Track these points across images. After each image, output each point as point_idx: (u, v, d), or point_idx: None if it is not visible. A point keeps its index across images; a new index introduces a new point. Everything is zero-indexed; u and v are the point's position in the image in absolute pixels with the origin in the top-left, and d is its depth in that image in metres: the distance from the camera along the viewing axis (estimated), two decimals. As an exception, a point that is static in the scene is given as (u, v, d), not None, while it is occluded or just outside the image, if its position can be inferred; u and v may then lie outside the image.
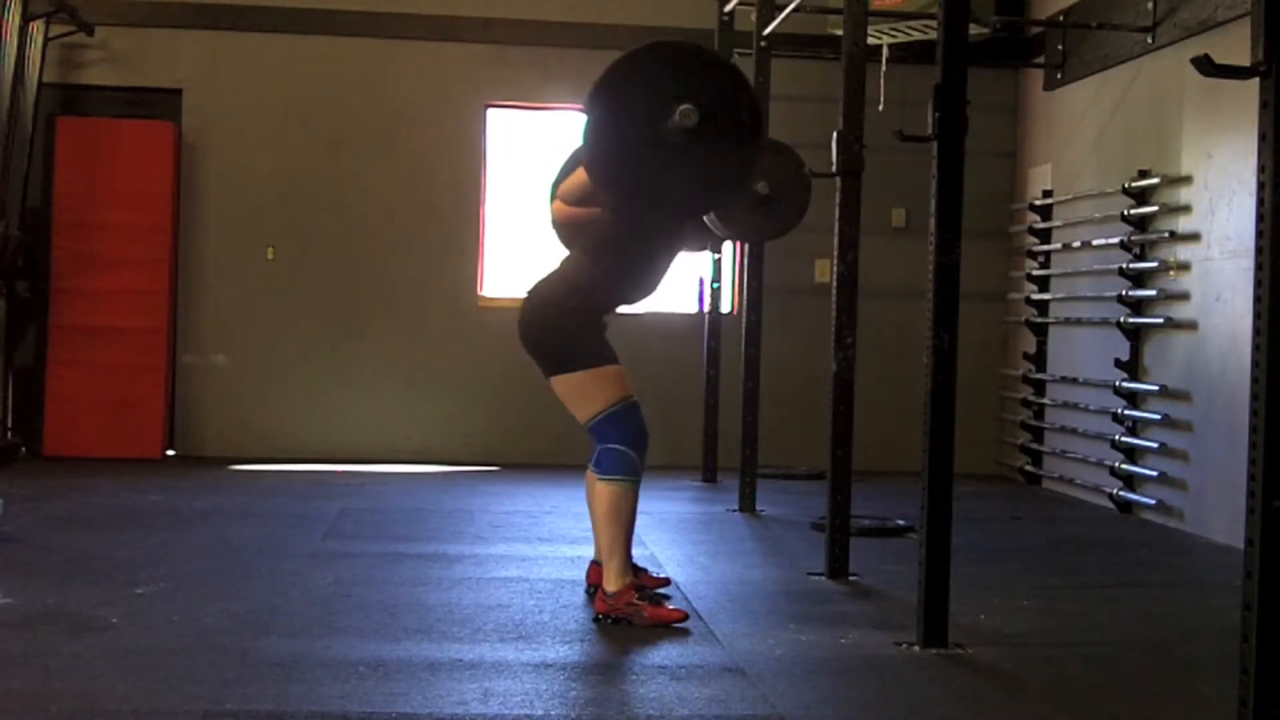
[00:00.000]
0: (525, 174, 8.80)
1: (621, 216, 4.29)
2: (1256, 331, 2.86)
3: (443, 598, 4.52)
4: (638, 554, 4.59)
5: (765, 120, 4.12)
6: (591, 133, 4.03)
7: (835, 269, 5.08)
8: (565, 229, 4.62)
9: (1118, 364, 7.10)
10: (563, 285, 4.35)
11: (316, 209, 8.55)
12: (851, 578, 5.00)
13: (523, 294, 4.44)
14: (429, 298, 8.60)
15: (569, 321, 4.30)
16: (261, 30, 8.50)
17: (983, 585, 4.93)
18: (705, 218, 5.32)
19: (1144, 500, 6.87)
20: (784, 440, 8.23)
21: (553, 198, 4.63)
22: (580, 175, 4.30)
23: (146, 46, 8.45)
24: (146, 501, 6.60)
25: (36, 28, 7.73)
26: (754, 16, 6.77)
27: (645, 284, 4.43)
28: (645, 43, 4.14)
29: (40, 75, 7.89)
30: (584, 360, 4.28)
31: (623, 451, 4.25)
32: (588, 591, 4.58)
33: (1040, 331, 8.28)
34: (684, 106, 3.96)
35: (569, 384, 4.31)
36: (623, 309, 4.47)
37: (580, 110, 4.01)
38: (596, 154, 4.06)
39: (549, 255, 8.89)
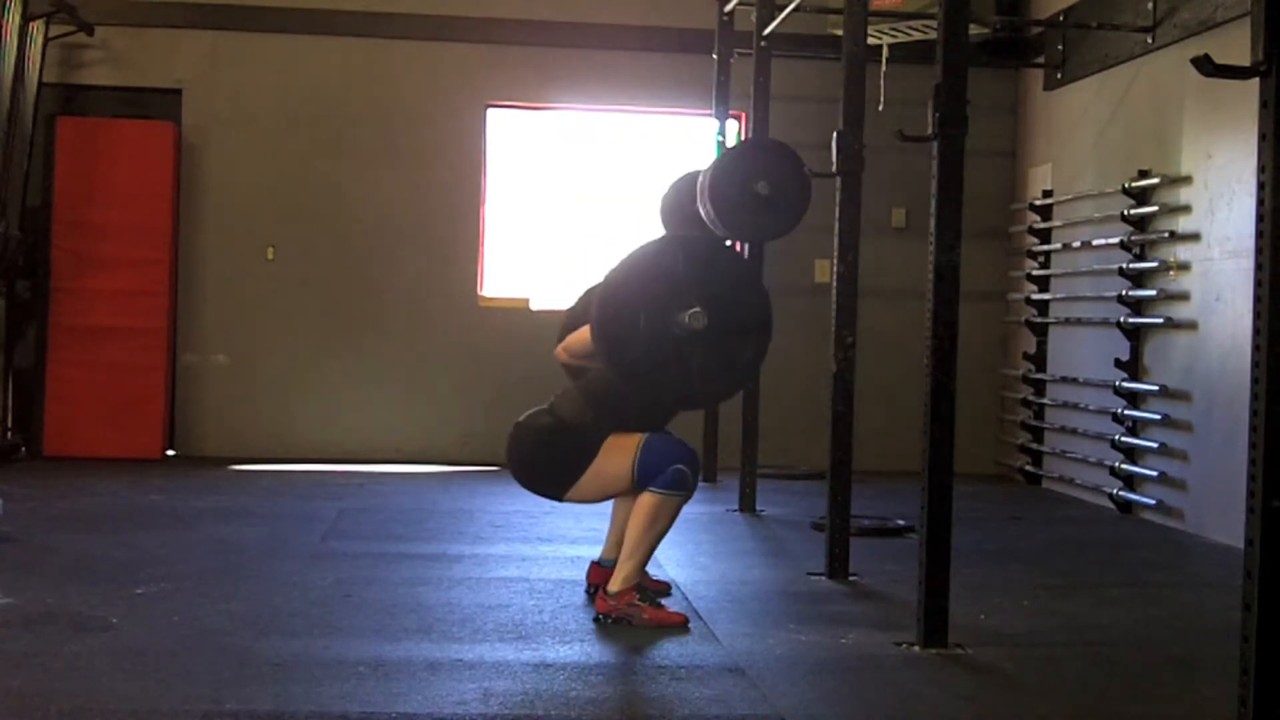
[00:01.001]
0: (525, 174, 8.81)
1: (620, 383, 4.26)
2: (1256, 331, 2.86)
3: (443, 598, 4.52)
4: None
5: (771, 318, 4.20)
6: (601, 322, 4.08)
7: (835, 269, 5.08)
8: (568, 369, 4.61)
9: (1118, 364, 7.10)
10: (548, 416, 4.33)
11: (316, 209, 8.55)
12: (851, 578, 5.00)
13: (511, 432, 4.38)
14: (429, 298, 8.60)
15: (553, 442, 4.28)
16: (261, 30, 8.50)
17: (983, 585, 4.93)
18: (705, 218, 5.32)
19: (1144, 500, 6.87)
20: (784, 440, 8.24)
21: (561, 336, 4.61)
22: (585, 336, 4.26)
23: (146, 46, 8.45)
24: (146, 501, 6.59)
25: (36, 28, 7.72)
26: (754, 16, 6.77)
27: (641, 422, 4.37)
28: (663, 239, 4.29)
29: (40, 75, 7.89)
30: (578, 465, 4.25)
31: (681, 470, 4.20)
32: (588, 591, 4.58)
33: (1040, 331, 8.28)
34: (693, 310, 4.03)
35: (584, 489, 4.29)
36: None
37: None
38: (607, 343, 4.09)
39: (550, 256, 8.89)
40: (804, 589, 4.87)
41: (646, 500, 4.22)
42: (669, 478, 4.20)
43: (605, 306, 4.08)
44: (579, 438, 4.26)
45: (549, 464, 4.30)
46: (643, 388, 4.17)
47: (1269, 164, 2.82)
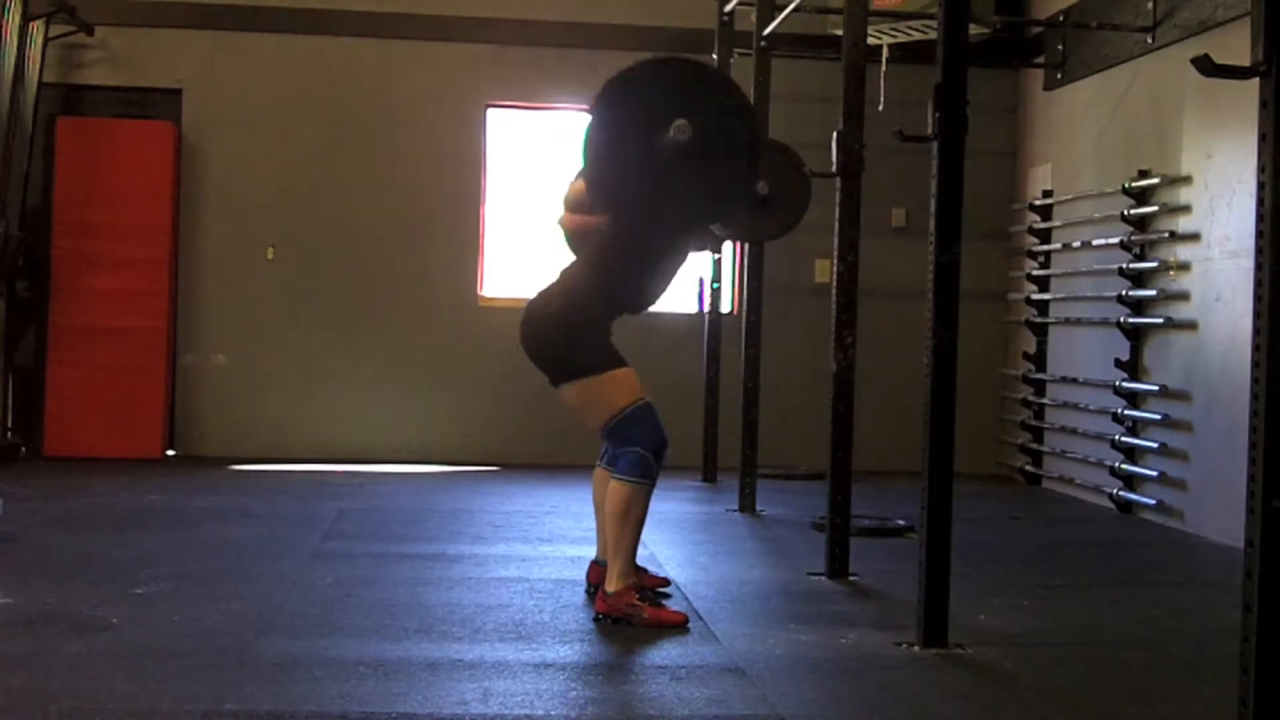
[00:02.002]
0: (525, 174, 8.81)
1: (621, 228, 4.30)
2: (1256, 331, 2.86)
3: (443, 598, 4.52)
4: (638, 554, 4.58)
5: (761, 136, 4.16)
6: (589, 149, 4.06)
7: (835, 269, 5.08)
8: (575, 238, 4.61)
9: (1118, 364, 7.11)
10: (563, 296, 4.35)
11: (316, 209, 8.55)
12: (851, 578, 5.00)
13: (524, 306, 4.43)
14: (429, 298, 8.60)
15: (572, 330, 4.30)
16: (261, 30, 8.50)
17: (983, 585, 4.93)
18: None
19: (1144, 500, 6.87)
20: (784, 440, 8.23)
21: (562, 204, 4.63)
22: (581, 185, 4.31)
23: (146, 46, 8.45)
24: (146, 501, 6.59)
25: (36, 28, 7.73)
26: (754, 16, 6.77)
27: (645, 294, 4.42)
28: (643, 60, 4.17)
29: (40, 75, 7.89)
30: (591, 366, 4.28)
31: (640, 454, 4.24)
32: (588, 591, 4.58)
33: (1040, 331, 8.28)
34: (678, 122, 3.99)
35: (578, 391, 4.31)
36: (623, 317, 4.46)
37: (582, 116, 4.03)
38: (593, 169, 4.09)
39: (550, 256, 8.91)
40: (804, 589, 4.87)
41: (614, 490, 4.26)
42: (630, 461, 4.23)
43: (590, 144, 4.05)
44: (593, 337, 4.28)
45: (557, 349, 4.32)
46: (639, 218, 4.14)
47: (1269, 164, 2.83)
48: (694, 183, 4.07)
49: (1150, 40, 6.92)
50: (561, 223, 4.60)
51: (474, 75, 8.64)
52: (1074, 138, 8.01)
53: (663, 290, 4.48)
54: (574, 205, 4.46)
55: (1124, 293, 7.05)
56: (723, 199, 4.23)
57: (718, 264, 7.67)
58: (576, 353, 4.29)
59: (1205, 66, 2.91)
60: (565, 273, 4.44)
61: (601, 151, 4.07)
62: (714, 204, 4.23)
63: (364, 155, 8.58)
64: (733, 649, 3.93)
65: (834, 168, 5.04)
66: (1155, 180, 6.88)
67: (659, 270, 4.41)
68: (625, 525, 4.25)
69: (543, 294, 4.42)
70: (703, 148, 4.02)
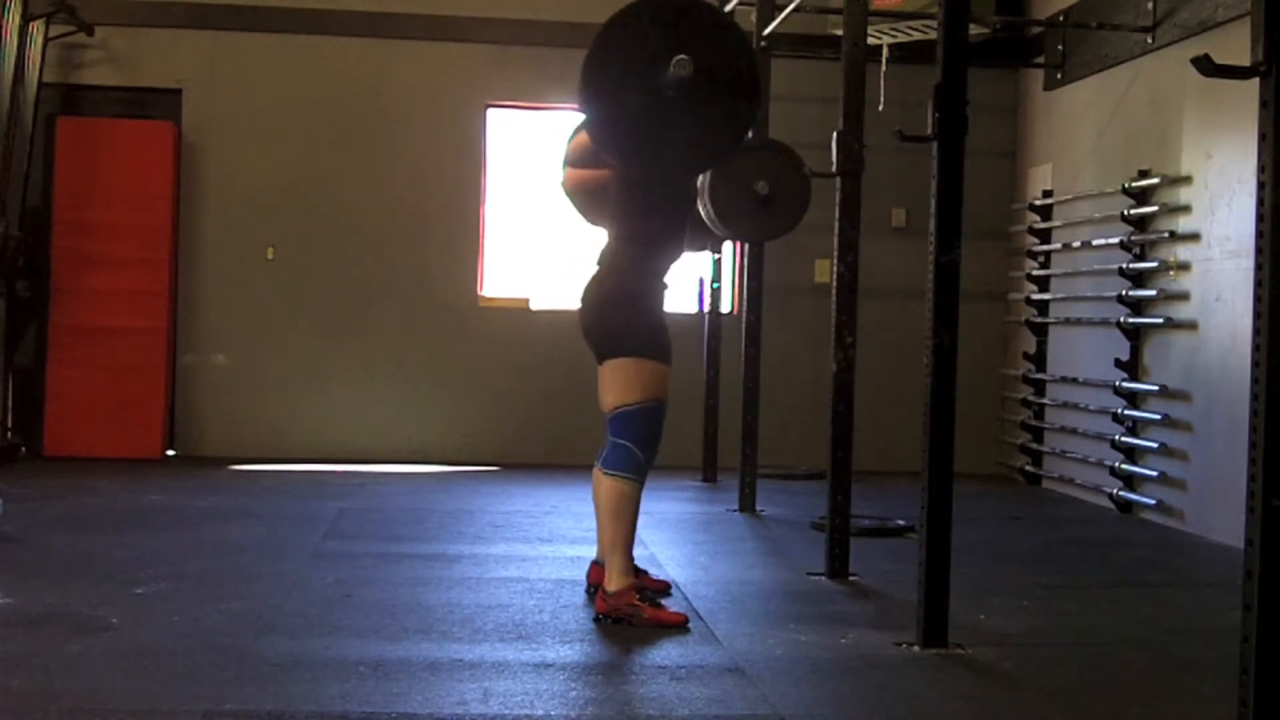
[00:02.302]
0: (525, 174, 8.81)
1: (628, 183, 4.31)
2: (1256, 331, 2.86)
3: (443, 598, 4.52)
4: (638, 554, 4.58)
5: (760, 72, 4.15)
6: (588, 93, 4.02)
7: (835, 269, 5.08)
8: (578, 197, 4.61)
9: (1118, 364, 7.11)
10: (611, 273, 4.40)
11: (316, 209, 8.55)
12: (851, 578, 5.00)
13: (579, 296, 4.48)
14: (429, 298, 8.60)
15: (628, 301, 4.34)
16: (261, 30, 8.50)
17: (983, 585, 4.93)
18: (705, 217, 5.31)
19: (1144, 500, 6.87)
20: (784, 440, 8.23)
21: (563, 166, 4.62)
22: (583, 137, 4.32)
23: (146, 46, 8.45)
24: (146, 501, 6.59)
25: (36, 28, 7.72)
26: (754, 16, 6.77)
27: (677, 240, 4.46)
28: (631, 4, 4.11)
29: (40, 75, 7.89)
30: (637, 348, 4.31)
31: (630, 449, 4.26)
32: (588, 591, 4.58)
33: (1040, 331, 8.28)
34: (679, 58, 3.94)
35: (615, 368, 4.33)
36: (670, 274, 4.48)
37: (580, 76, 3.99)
38: (595, 113, 4.06)
39: (550, 256, 8.90)
40: (804, 589, 4.87)
41: (604, 485, 4.28)
42: (619, 455, 4.26)
43: (590, 90, 4.01)
44: (644, 325, 4.33)
45: (611, 326, 4.35)
46: (648, 162, 4.14)
47: (1269, 164, 2.83)
48: (699, 118, 4.04)
49: (1150, 40, 6.92)
50: (565, 183, 4.59)
51: (474, 75, 8.64)
52: (1074, 138, 8.01)
53: (684, 239, 4.51)
54: (577, 159, 4.46)
55: (1124, 293, 7.05)
56: (728, 134, 4.22)
57: (718, 264, 7.67)
58: (621, 328, 4.33)
59: (1205, 66, 2.91)
60: (603, 255, 4.47)
61: (603, 96, 4.01)
62: (720, 139, 4.20)
63: (364, 155, 8.58)
64: (733, 649, 3.92)
65: (834, 168, 5.04)
66: (1155, 180, 6.88)
67: (678, 216, 4.44)
68: (617, 521, 4.26)
69: (593, 279, 4.46)
70: (705, 82, 3.99)
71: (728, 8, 7.53)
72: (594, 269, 4.49)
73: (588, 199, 4.59)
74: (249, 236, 8.52)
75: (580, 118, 4.37)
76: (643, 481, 4.31)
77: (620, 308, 4.36)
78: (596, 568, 4.57)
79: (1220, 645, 3.73)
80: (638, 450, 4.26)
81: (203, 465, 8.08)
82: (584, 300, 4.46)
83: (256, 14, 8.47)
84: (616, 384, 4.32)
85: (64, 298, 8.13)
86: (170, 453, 8.37)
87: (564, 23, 8.58)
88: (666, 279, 4.47)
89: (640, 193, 4.35)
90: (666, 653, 3.89)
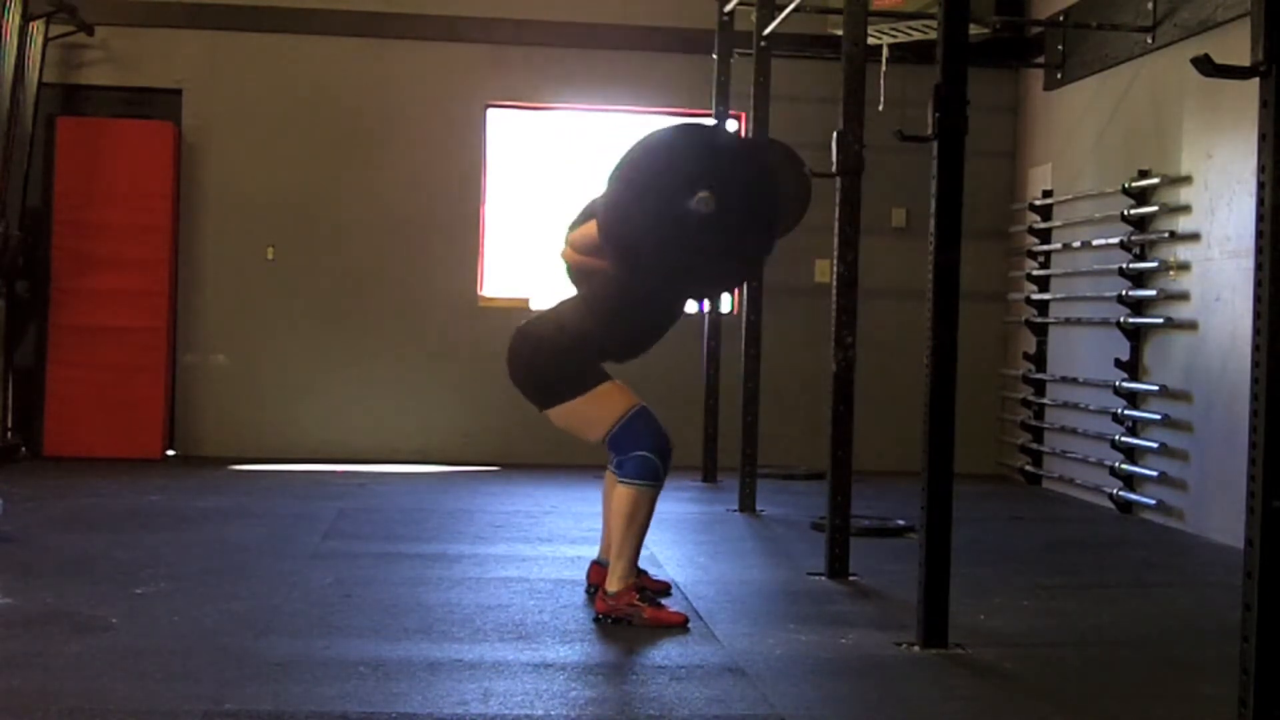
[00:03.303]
0: (525, 174, 8.81)
1: (628, 282, 4.25)
2: (1256, 331, 2.86)
3: (443, 598, 4.52)
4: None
5: (781, 207, 4.15)
6: (611, 204, 4.04)
7: (835, 269, 5.08)
8: (574, 272, 4.60)
9: (1118, 364, 7.10)
10: (553, 324, 4.34)
11: (316, 209, 8.55)
12: (851, 578, 5.00)
13: (514, 332, 4.42)
14: (429, 298, 8.60)
15: (559, 354, 4.29)
16: (261, 30, 8.50)
17: (983, 585, 4.93)
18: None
19: (1144, 500, 6.87)
20: (784, 440, 8.23)
21: (566, 240, 4.59)
22: (591, 229, 4.24)
23: (146, 46, 8.45)
24: (146, 501, 6.59)
25: (36, 28, 7.72)
26: (754, 16, 6.77)
27: (637, 344, 4.42)
28: (675, 123, 4.18)
29: (40, 75, 7.89)
30: (577, 387, 4.26)
31: (647, 457, 4.23)
32: (588, 591, 4.58)
33: (1040, 331, 8.28)
34: (702, 194, 3.98)
35: (568, 413, 4.30)
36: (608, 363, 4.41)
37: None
38: (613, 226, 4.06)
39: (550, 257, 8.90)
40: (804, 589, 4.87)
41: (621, 494, 4.25)
42: (636, 465, 4.22)
43: (611, 195, 4.03)
44: (581, 360, 4.26)
45: (544, 375, 4.30)
46: (650, 279, 4.13)
47: (1269, 164, 2.83)
48: (712, 252, 4.06)
49: (1150, 40, 6.92)
50: (564, 256, 4.57)
51: (474, 75, 8.64)
52: (1074, 138, 8.01)
53: (651, 345, 4.47)
54: (581, 247, 4.40)
55: (1124, 293, 7.05)
56: (739, 269, 4.26)
57: (718, 264, 7.65)
58: (562, 374, 4.27)
59: (1205, 66, 2.91)
60: (560, 304, 4.42)
61: (623, 208, 4.04)
62: (729, 273, 4.26)
63: (364, 155, 8.58)
64: (733, 649, 3.92)
65: (834, 168, 5.04)
66: (1155, 180, 6.88)
67: (656, 325, 4.40)
68: (630, 528, 4.25)
69: (531, 321, 4.41)
70: (725, 219, 4.01)
71: (727, 8, 7.56)
72: (537, 313, 4.42)
73: (581, 277, 4.53)
74: (249, 236, 8.52)
75: (591, 196, 4.40)
76: (659, 487, 4.28)
77: (550, 356, 4.28)
78: (596, 568, 4.57)
79: (1220, 645, 3.73)
80: (653, 455, 4.24)
81: (203, 465, 8.08)
82: (516, 336, 4.38)
83: (256, 14, 8.47)
84: (589, 420, 4.29)
85: (64, 298, 8.13)
86: (170, 453, 8.37)
87: (564, 23, 8.59)
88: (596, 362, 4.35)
89: (630, 292, 4.27)
90: (666, 653, 3.90)
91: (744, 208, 4.05)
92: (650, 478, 4.24)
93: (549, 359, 4.30)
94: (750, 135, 6.80)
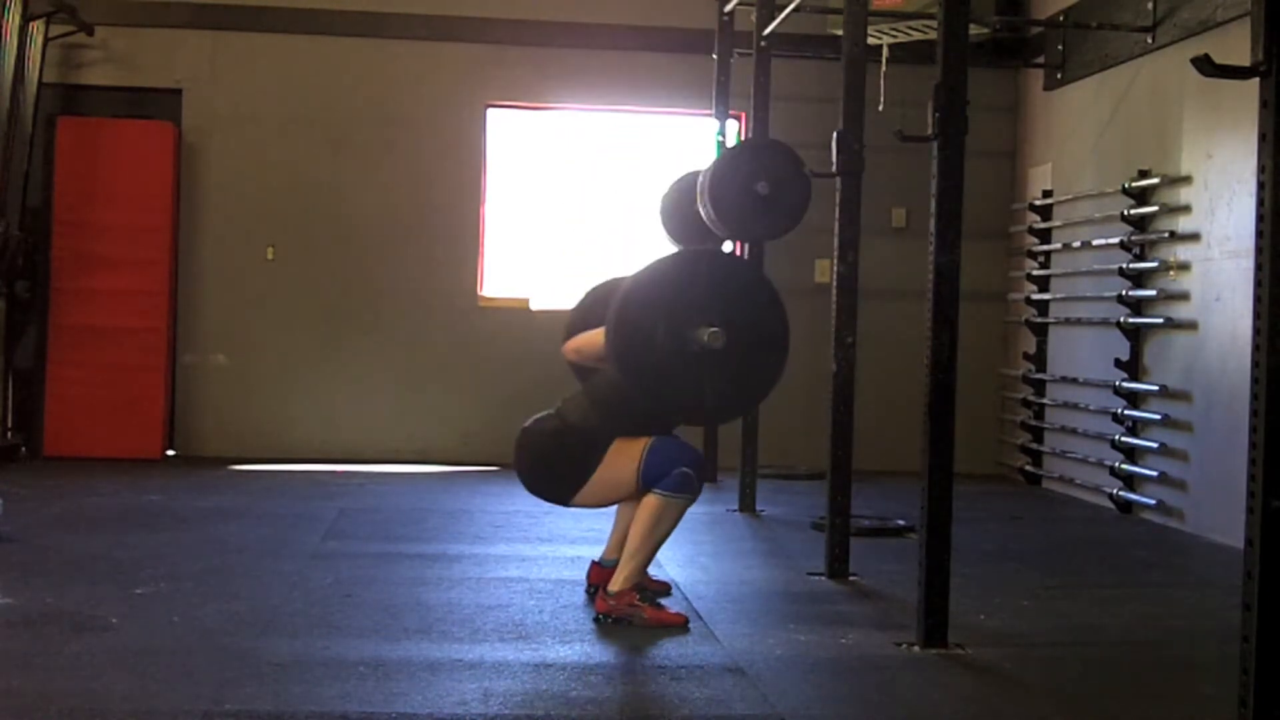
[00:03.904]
0: (525, 174, 8.81)
1: (631, 393, 4.20)
2: (1256, 331, 2.86)
3: (443, 598, 4.52)
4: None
5: (787, 331, 4.17)
6: (620, 325, 4.04)
7: (835, 269, 5.08)
8: (575, 367, 4.58)
9: (1118, 364, 7.10)
10: (557, 421, 4.33)
11: (316, 209, 8.55)
12: (851, 578, 5.00)
13: (518, 434, 4.39)
14: (429, 298, 8.60)
15: (562, 448, 4.28)
16: (261, 30, 8.50)
17: (983, 585, 4.93)
18: (705, 218, 5.32)
19: (1144, 500, 6.87)
20: (784, 440, 8.23)
21: (568, 335, 4.58)
22: (598, 339, 4.21)
23: (146, 46, 8.45)
24: (146, 501, 6.59)
25: (36, 28, 7.72)
26: (754, 16, 6.77)
27: (643, 429, 4.34)
28: (690, 250, 4.25)
29: (40, 75, 7.89)
30: (584, 469, 4.24)
31: (686, 473, 4.20)
32: (588, 591, 4.58)
33: (1040, 331, 8.28)
34: (712, 329, 3.99)
35: (591, 494, 4.29)
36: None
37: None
38: (621, 350, 4.06)
39: (550, 256, 8.88)
40: (804, 589, 4.87)
41: (651, 502, 4.22)
42: (674, 480, 4.19)
43: (622, 314, 4.04)
44: (586, 442, 4.25)
45: (556, 468, 4.30)
46: (652, 399, 4.14)
47: (1269, 164, 2.83)
48: (718, 379, 4.07)
49: (1150, 40, 6.92)
50: (566, 354, 4.54)
51: (474, 75, 8.64)
52: (1074, 138, 8.01)
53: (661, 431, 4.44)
54: (586, 354, 4.37)
55: (1124, 293, 7.05)
56: (743, 399, 4.31)
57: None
58: (572, 462, 4.25)
59: (1205, 66, 2.91)
60: (565, 404, 4.39)
61: (630, 334, 4.04)
62: (736, 404, 4.31)
63: (364, 155, 8.58)
64: (733, 649, 3.92)
65: (834, 168, 5.04)
66: (1155, 180, 6.88)
67: (654, 426, 4.34)
68: (652, 535, 4.23)
69: (535, 420, 4.39)
70: (734, 352, 4.03)
71: (727, 8, 7.56)
72: (542, 415, 4.39)
73: (583, 371, 4.52)
74: (249, 236, 8.52)
75: (594, 288, 4.45)
76: (694, 499, 4.26)
77: (559, 445, 4.27)
78: (597, 568, 4.58)
79: (1220, 645, 3.73)
80: (690, 469, 4.21)
81: (203, 465, 8.08)
82: (522, 436, 4.35)
83: (256, 14, 8.47)
84: (614, 484, 4.25)
85: (64, 298, 8.13)
86: (170, 453, 8.36)
87: (564, 23, 8.59)
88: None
89: (632, 404, 4.23)
90: (666, 653, 3.90)
91: (753, 341, 4.08)
92: (686, 490, 4.22)
93: (554, 451, 4.29)
94: (750, 139, 6.79)
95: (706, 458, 7.66)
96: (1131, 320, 7.01)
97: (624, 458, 4.23)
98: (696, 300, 4.04)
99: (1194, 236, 6.53)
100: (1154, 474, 6.77)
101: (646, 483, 4.21)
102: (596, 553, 4.72)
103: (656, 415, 4.29)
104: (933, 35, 5.72)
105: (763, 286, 4.22)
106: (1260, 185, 2.85)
